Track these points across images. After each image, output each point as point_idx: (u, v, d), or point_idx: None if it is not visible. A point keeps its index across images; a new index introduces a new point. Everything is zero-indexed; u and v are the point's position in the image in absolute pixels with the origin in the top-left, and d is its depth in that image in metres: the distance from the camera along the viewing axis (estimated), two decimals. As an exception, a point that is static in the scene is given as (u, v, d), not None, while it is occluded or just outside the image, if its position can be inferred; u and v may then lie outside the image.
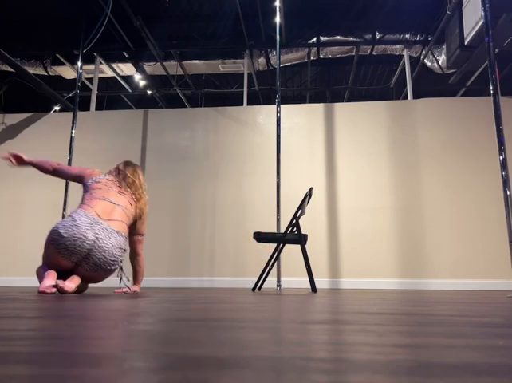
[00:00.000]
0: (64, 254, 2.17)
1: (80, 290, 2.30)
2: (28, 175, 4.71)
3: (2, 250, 4.52)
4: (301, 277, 4.03)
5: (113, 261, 2.28)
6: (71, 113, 4.65)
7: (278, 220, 3.75)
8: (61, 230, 2.18)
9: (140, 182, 2.62)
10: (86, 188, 2.47)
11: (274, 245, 3.21)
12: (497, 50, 3.94)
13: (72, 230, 2.17)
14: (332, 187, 4.35)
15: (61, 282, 2.08)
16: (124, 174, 2.58)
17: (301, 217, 3.04)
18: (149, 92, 6.17)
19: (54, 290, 2.09)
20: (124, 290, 2.47)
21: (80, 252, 2.18)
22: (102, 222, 2.27)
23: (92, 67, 5.32)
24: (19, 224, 4.59)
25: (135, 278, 2.58)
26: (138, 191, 2.56)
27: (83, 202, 2.39)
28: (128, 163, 2.69)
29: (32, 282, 4.38)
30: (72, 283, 2.14)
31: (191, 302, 1.56)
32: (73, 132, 4.44)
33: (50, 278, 2.12)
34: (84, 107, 5.29)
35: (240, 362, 0.44)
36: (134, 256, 2.58)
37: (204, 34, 5.08)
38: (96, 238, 2.21)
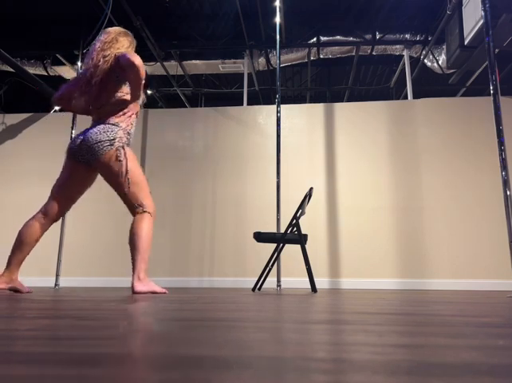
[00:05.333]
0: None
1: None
2: (28, 174, 4.71)
3: (3, 251, 4.52)
4: (301, 277, 4.03)
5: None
6: (71, 113, 4.65)
7: (278, 220, 3.75)
8: None
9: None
10: None
11: (274, 245, 3.21)
12: (497, 50, 3.94)
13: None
14: (332, 187, 4.35)
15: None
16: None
17: (301, 217, 3.04)
18: (149, 92, 6.17)
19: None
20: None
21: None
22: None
23: (92, 67, 5.31)
24: (19, 224, 4.58)
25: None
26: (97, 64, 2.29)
27: None
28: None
29: (31, 282, 4.38)
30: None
31: (191, 302, 1.56)
32: (73, 132, 4.44)
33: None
34: (84, 107, 5.28)
35: (241, 362, 0.44)
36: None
37: (204, 34, 5.08)
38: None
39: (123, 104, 2.33)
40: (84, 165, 2.32)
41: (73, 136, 2.29)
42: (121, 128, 2.30)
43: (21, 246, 2.34)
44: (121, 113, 2.32)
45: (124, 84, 2.34)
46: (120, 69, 2.27)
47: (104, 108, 2.32)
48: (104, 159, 2.23)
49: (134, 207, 2.27)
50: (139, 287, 2.13)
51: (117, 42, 2.35)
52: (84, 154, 2.28)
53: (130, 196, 2.26)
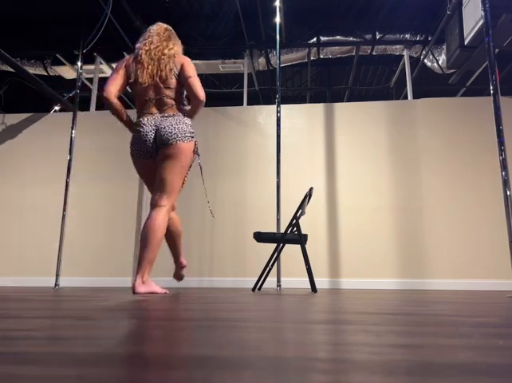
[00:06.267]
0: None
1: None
2: (28, 174, 4.72)
3: (3, 251, 4.52)
4: (301, 277, 4.03)
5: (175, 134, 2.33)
6: (71, 113, 4.66)
7: (278, 220, 3.76)
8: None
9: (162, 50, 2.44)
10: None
11: (274, 245, 3.21)
12: (497, 50, 3.94)
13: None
14: (332, 187, 4.36)
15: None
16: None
17: (301, 217, 3.04)
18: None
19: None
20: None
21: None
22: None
23: (92, 67, 5.32)
24: (19, 224, 4.59)
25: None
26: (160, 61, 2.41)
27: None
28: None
29: (32, 282, 4.38)
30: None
31: (191, 302, 1.56)
32: (73, 132, 4.44)
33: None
34: (84, 107, 5.30)
35: (242, 362, 0.44)
36: (191, 98, 2.43)
37: (204, 34, 5.09)
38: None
39: (183, 102, 2.47)
40: (152, 160, 2.39)
41: (146, 130, 2.39)
42: (190, 120, 2.44)
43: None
44: (184, 109, 2.45)
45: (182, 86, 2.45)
46: (184, 79, 2.39)
47: (164, 101, 2.38)
48: (182, 146, 2.32)
49: (161, 197, 2.30)
50: (139, 288, 2.15)
51: (176, 40, 2.55)
52: (157, 142, 2.33)
53: (170, 188, 2.31)
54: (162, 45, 2.42)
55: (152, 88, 2.37)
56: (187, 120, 2.40)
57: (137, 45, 2.51)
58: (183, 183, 2.41)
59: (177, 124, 2.33)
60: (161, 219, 2.24)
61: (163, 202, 2.29)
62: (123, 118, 2.41)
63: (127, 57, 2.51)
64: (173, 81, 2.38)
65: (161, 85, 2.37)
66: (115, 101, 2.36)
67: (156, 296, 2.06)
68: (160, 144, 2.31)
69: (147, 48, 2.43)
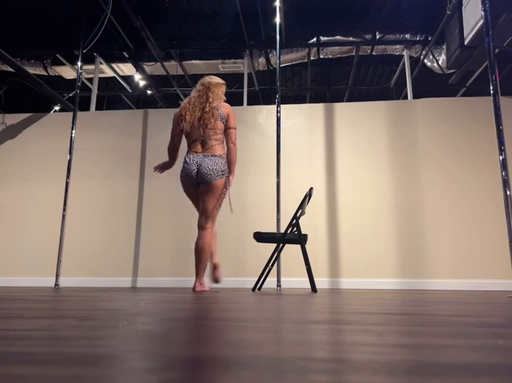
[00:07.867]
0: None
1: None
2: (28, 174, 4.71)
3: (3, 251, 4.52)
4: (301, 277, 4.03)
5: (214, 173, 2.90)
6: (71, 113, 4.65)
7: (278, 220, 3.75)
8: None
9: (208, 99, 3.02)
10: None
11: (274, 245, 3.21)
12: (497, 50, 3.94)
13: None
14: (332, 187, 4.35)
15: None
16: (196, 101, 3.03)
17: (301, 217, 3.04)
18: (149, 92, 6.18)
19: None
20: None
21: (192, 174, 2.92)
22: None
23: (92, 67, 5.32)
24: (19, 224, 4.59)
25: (228, 168, 2.99)
26: (205, 107, 2.98)
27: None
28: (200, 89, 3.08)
29: (31, 282, 4.38)
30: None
31: (191, 302, 1.56)
32: (73, 132, 4.44)
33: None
34: (84, 107, 5.30)
35: (242, 362, 0.44)
36: (227, 147, 3.01)
37: (204, 34, 5.08)
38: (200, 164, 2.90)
39: (221, 140, 2.99)
40: (196, 188, 2.97)
41: (187, 162, 3.02)
42: (225, 160, 2.94)
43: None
44: (222, 146, 2.98)
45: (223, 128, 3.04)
46: (226, 125, 3.01)
47: (207, 141, 2.93)
48: (216, 183, 2.89)
49: (206, 222, 2.95)
50: (198, 288, 2.82)
51: (214, 91, 3.07)
52: (198, 178, 2.90)
53: (211, 214, 2.94)
54: (199, 100, 3.00)
55: (200, 130, 2.94)
56: (223, 161, 2.92)
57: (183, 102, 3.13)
58: (220, 206, 3.02)
59: (213, 166, 2.87)
60: (208, 239, 2.93)
61: (207, 225, 2.95)
62: (171, 164, 3.11)
63: (179, 108, 3.10)
64: (220, 125, 2.95)
65: (207, 128, 2.92)
66: (177, 154, 3.10)
67: (155, 296, 2.06)
68: (201, 180, 2.89)
69: (186, 101, 3.06)
